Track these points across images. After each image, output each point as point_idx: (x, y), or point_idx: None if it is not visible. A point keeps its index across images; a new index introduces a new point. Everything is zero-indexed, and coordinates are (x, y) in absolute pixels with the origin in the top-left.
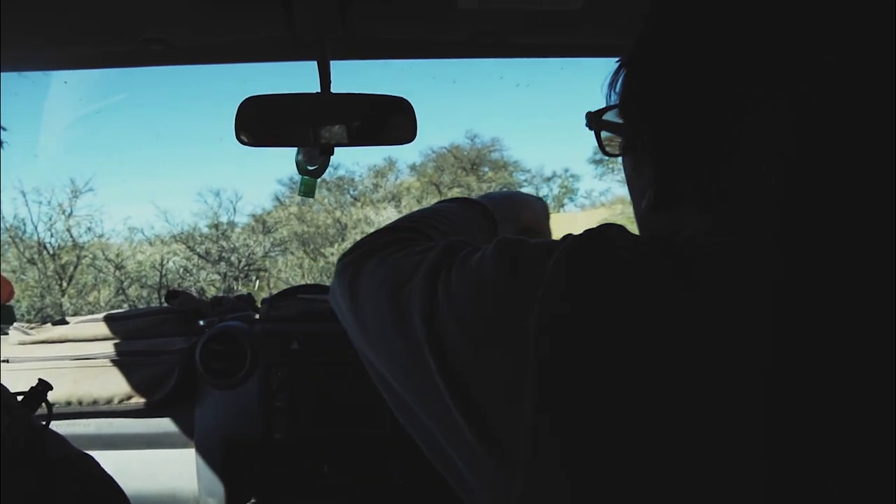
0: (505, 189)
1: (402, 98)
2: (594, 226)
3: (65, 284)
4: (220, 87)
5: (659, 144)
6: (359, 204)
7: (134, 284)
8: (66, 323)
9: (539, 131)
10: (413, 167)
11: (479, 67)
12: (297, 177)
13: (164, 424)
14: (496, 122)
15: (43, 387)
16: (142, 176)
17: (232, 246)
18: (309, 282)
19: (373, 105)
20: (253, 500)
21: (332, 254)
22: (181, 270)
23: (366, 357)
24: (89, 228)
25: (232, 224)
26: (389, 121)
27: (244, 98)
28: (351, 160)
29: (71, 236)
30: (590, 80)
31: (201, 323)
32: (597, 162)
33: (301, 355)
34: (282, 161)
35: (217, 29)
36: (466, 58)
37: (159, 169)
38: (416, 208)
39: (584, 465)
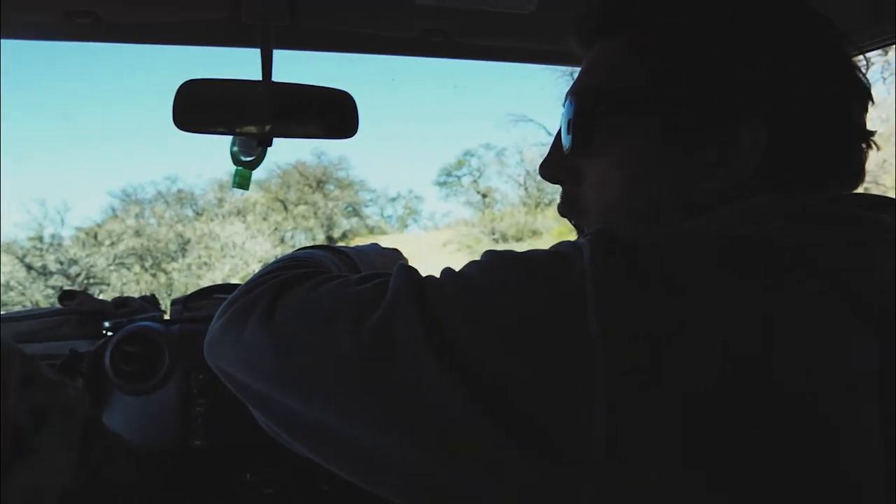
0: (351, 208)
1: (344, 91)
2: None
3: None
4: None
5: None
6: (202, 218)
7: None
8: None
9: (386, 150)
10: (258, 183)
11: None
12: (131, 188)
13: None
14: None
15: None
16: None
17: (71, 258)
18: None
19: (315, 97)
20: None
21: (175, 269)
22: (11, 283)
23: (290, 410)
24: None
25: (58, 237)
26: (330, 114)
27: (185, 80)
28: (193, 173)
29: None
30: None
31: (106, 324)
32: (441, 184)
33: None
34: (112, 170)
35: (156, 7)
36: (412, 55)
37: None
38: (262, 224)
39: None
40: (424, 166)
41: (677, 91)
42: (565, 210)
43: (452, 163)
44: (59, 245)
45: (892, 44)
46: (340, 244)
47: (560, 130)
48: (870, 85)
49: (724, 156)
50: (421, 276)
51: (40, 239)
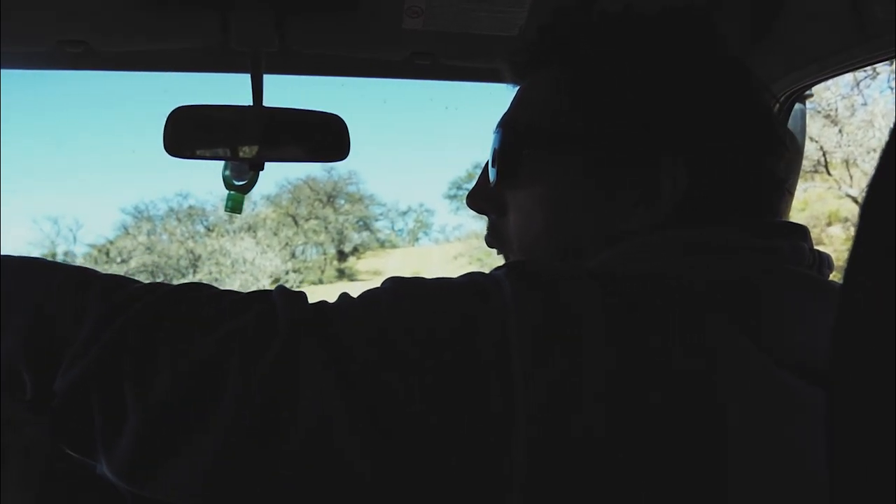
0: (362, 222)
1: (335, 115)
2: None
3: None
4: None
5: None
6: (213, 234)
7: None
8: None
9: (396, 164)
10: (269, 198)
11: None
12: (143, 205)
13: None
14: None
15: None
16: None
17: None
18: None
19: (305, 121)
20: None
21: None
22: None
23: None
24: None
25: (71, 254)
26: (321, 138)
27: (175, 107)
28: (204, 189)
29: None
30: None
31: None
32: (451, 197)
33: None
34: (125, 187)
35: (146, 35)
36: (401, 78)
37: None
38: (272, 240)
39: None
40: (435, 179)
41: (599, 131)
42: (491, 241)
43: (462, 175)
44: (72, 263)
45: (808, 87)
46: (352, 259)
47: (488, 162)
48: (783, 135)
49: (644, 196)
50: (310, 301)
51: (53, 257)
